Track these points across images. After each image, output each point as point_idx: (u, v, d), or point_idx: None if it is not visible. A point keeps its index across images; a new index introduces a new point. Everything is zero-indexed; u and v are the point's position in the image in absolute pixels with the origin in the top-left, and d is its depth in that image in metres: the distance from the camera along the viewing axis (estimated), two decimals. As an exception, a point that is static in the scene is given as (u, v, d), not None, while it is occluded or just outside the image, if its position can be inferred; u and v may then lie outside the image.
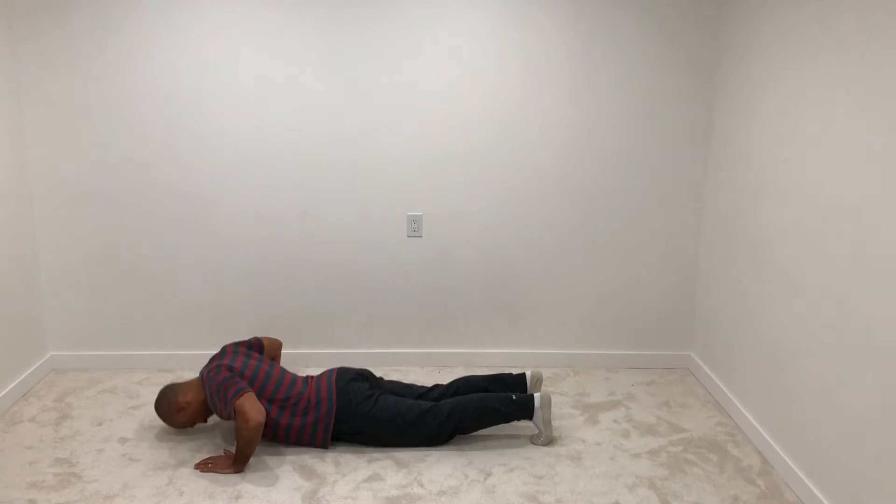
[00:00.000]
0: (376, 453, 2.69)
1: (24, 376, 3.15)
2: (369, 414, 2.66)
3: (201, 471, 2.54)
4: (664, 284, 3.50)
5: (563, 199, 3.38)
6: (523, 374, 2.96)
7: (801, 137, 2.49)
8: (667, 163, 3.34)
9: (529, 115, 3.27)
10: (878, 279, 2.05)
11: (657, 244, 3.45)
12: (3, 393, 2.99)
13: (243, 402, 2.50)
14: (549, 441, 2.77)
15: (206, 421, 2.79)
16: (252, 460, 2.62)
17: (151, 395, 3.15)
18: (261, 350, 2.93)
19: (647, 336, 3.56)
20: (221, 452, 2.68)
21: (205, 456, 2.65)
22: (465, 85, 3.23)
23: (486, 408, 2.71)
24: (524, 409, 2.74)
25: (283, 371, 2.79)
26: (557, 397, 3.20)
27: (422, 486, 2.48)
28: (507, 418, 2.74)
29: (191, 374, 3.41)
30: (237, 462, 2.54)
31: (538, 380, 2.96)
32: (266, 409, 2.62)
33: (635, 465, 2.65)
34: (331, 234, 3.37)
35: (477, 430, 2.76)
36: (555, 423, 2.94)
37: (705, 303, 3.39)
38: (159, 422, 2.91)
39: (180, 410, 2.70)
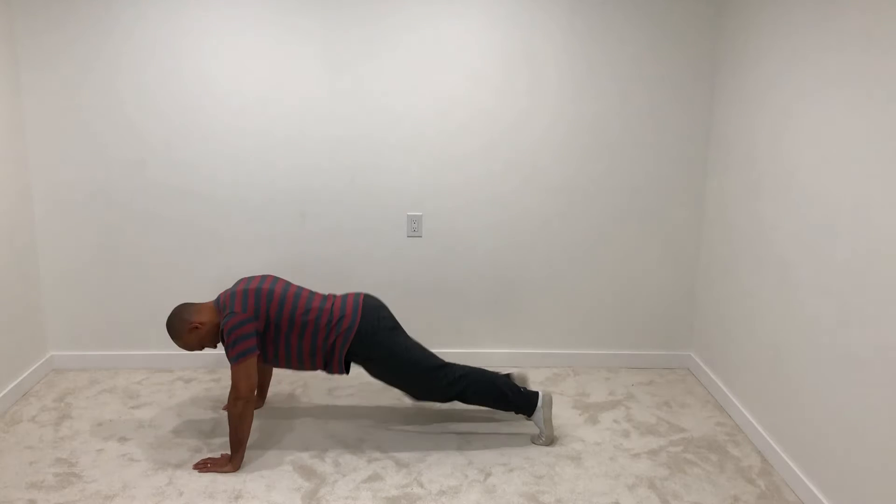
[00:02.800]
0: (376, 453, 2.69)
1: (24, 376, 3.15)
2: (386, 343, 2.65)
3: (199, 471, 2.54)
4: (664, 284, 3.50)
5: (562, 199, 3.38)
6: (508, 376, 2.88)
7: (801, 137, 2.49)
8: (667, 163, 3.34)
9: (529, 115, 3.27)
10: (878, 279, 2.05)
11: (657, 244, 3.45)
12: (3, 393, 2.99)
13: (239, 372, 2.48)
14: (551, 441, 2.77)
15: (215, 346, 2.71)
16: (252, 460, 2.62)
17: (151, 396, 3.16)
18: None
19: (647, 336, 3.56)
20: (214, 443, 2.68)
21: (205, 456, 2.65)
22: (465, 86, 3.23)
23: (495, 386, 2.72)
24: (528, 403, 2.75)
25: (302, 288, 2.75)
26: (557, 397, 3.20)
27: (422, 486, 2.48)
28: (509, 405, 2.74)
29: (191, 373, 3.41)
30: (232, 456, 2.55)
31: (524, 380, 2.92)
32: (285, 328, 2.59)
33: (635, 465, 2.65)
34: (331, 233, 3.37)
35: (477, 404, 2.75)
36: (555, 423, 2.94)
37: (705, 303, 3.39)
38: (159, 421, 2.91)
39: (193, 330, 2.60)
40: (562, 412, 3.05)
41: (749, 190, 2.90)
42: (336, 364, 2.66)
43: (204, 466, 2.56)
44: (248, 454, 2.66)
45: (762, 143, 2.79)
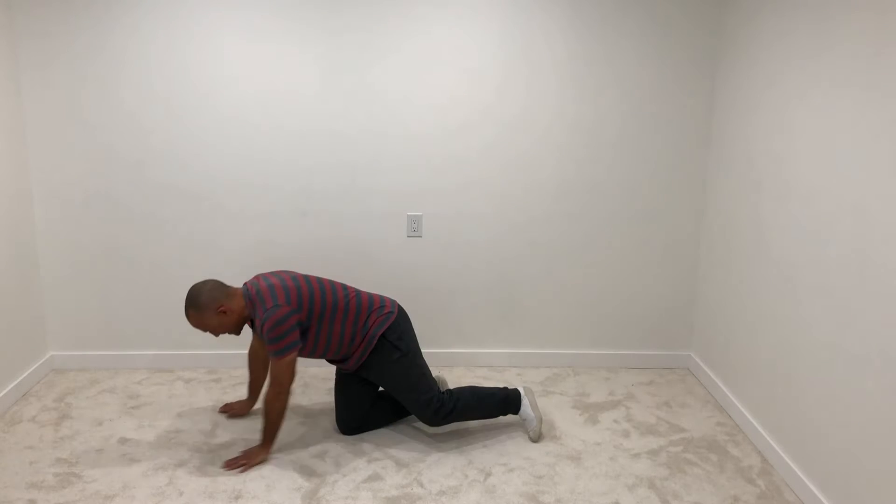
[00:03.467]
0: (376, 453, 2.69)
1: (24, 376, 3.15)
2: (412, 342, 2.73)
3: (235, 470, 2.54)
4: (664, 284, 3.50)
5: (563, 199, 3.38)
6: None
7: (802, 137, 2.49)
8: (668, 163, 3.34)
9: (529, 115, 3.27)
10: (879, 278, 2.05)
11: (657, 244, 3.45)
12: (3, 393, 2.99)
13: (286, 367, 2.49)
14: (541, 425, 2.80)
15: (217, 335, 2.59)
16: (252, 460, 2.63)
17: (151, 396, 3.16)
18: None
19: (647, 336, 3.56)
20: (213, 442, 2.69)
21: (204, 456, 2.65)
22: (466, 86, 3.23)
23: (480, 397, 2.76)
24: (515, 401, 2.81)
25: (326, 279, 2.78)
26: (557, 397, 3.20)
27: (422, 486, 2.48)
28: (502, 404, 2.79)
29: (190, 373, 3.41)
30: (266, 441, 2.58)
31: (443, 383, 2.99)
32: (328, 314, 2.60)
33: (635, 465, 2.65)
34: (331, 233, 3.37)
35: (470, 417, 2.77)
36: (555, 423, 2.94)
37: (705, 303, 3.39)
38: (159, 421, 2.91)
39: (220, 312, 2.51)
40: (562, 412, 3.05)
41: (749, 189, 2.90)
42: (366, 346, 2.66)
43: (236, 463, 2.56)
44: (248, 454, 2.67)
45: (762, 143, 2.79)
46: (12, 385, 3.06)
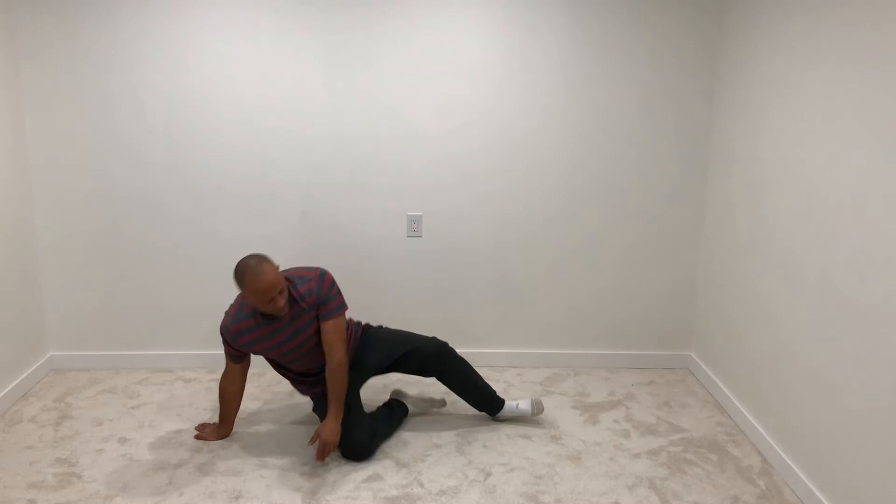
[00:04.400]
0: (376, 453, 2.69)
1: (24, 376, 3.15)
2: (382, 328, 2.93)
3: (324, 460, 2.57)
4: (664, 284, 3.50)
5: (563, 200, 3.38)
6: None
7: (802, 136, 2.49)
8: (667, 163, 3.34)
9: (529, 116, 3.27)
10: (880, 278, 2.05)
11: (657, 244, 3.45)
12: (3, 393, 2.99)
13: (342, 327, 2.60)
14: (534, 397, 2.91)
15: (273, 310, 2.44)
16: (252, 460, 2.63)
17: (151, 395, 3.16)
18: None
19: (647, 336, 3.56)
20: (214, 442, 2.73)
21: (204, 456, 2.65)
22: (465, 86, 3.23)
23: (472, 373, 2.89)
24: (500, 403, 2.90)
25: None
26: (557, 397, 3.20)
27: (422, 485, 2.48)
28: (488, 389, 2.90)
29: (191, 373, 3.41)
30: (337, 414, 2.55)
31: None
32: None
33: (635, 465, 2.65)
34: (330, 233, 3.37)
35: (458, 378, 2.85)
36: (555, 423, 2.94)
37: (705, 303, 3.39)
38: (159, 422, 2.91)
39: (287, 286, 2.49)
40: (562, 412, 3.05)
41: (749, 190, 2.90)
42: (354, 334, 2.80)
43: (322, 454, 2.53)
44: (247, 453, 2.67)
45: (762, 142, 2.79)
46: (12, 385, 3.06)
